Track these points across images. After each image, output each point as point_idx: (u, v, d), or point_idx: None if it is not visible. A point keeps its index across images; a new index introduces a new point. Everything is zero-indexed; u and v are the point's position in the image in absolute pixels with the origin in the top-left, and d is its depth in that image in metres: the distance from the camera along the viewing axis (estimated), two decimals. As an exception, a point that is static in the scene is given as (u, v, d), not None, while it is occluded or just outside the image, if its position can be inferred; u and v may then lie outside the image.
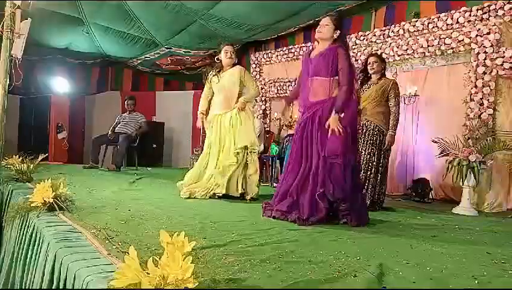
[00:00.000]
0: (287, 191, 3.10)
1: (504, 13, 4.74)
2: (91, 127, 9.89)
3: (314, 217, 2.88)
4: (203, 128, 4.52)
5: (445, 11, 5.29)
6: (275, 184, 6.12)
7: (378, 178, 4.05)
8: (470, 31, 4.87)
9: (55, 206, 2.55)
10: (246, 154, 4.12)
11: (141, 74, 10.22)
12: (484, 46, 4.73)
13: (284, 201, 3.07)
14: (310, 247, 2.16)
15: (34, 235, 2.22)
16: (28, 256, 2.20)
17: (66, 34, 7.59)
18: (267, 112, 7.88)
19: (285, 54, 7.50)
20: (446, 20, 5.20)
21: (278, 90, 7.55)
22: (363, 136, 4.09)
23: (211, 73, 4.45)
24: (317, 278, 1.62)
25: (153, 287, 1.20)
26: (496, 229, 3.30)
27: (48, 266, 1.79)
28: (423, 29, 5.45)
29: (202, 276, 1.48)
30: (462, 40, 4.93)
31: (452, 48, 5.06)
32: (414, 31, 5.54)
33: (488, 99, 4.68)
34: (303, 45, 7.20)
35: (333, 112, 2.98)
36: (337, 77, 3.07)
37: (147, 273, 1.23)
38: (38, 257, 2.01)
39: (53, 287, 1.69)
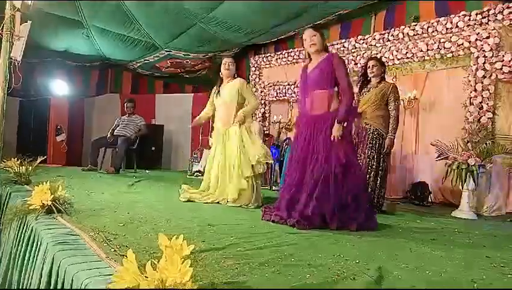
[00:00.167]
0: (287, 200, 3.08)
1: (503, 17, 4.75)
2: (90, 130, 9.89)
3: (313, 221, 2.87)
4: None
5: (445, 15, 5.30)
6: (274, 187, 6.12)
7: (378, 182, 4.05)
8: (469, 35, 4.89)
9: (54, 208, 2.54)
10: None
11: (141, 76, 10.22)
12: (483, 50, 4.74)
13: (284, 208, 3.06)
14: (309, 250, 2.16)
15: (32, 237, 2.22)
16: (26, 258, 2.19)
17: (66, 37, 7.60)
18: (267, 115, 7.88)
19: (285, 57, 7.51)
20: (445, 24, 5.21)
21: (277, 93, 7.56)
22: (362, 139, 4.10)
23: (214, 88, 4.43)
24: (316, 281, 1.61)
25: (151, 291, 1.20)
26: (495, 233, 3.30)
27: (45, 268, 1.78)
28: (423, 33, 5.46)
29: (201, 279, 1.47)
30: (462, 44, 4.94)
31: (451, 52, 5.07)
32: (414, 34, 5.55)
33: (488, 103, 4.68)
34: (302, 48, 7.19)
35: (336, 121, 2.99)
36: (336, 88, 3.10)
37: (145, 276, 1.22)
38: (36, 259, 2.01)
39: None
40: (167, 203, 3.66)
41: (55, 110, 9.20)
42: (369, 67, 4.23)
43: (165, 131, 9.16)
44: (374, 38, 6.04)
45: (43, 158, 4.40)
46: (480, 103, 4.73)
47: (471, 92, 4.83)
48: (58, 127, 9.18)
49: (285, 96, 7.41)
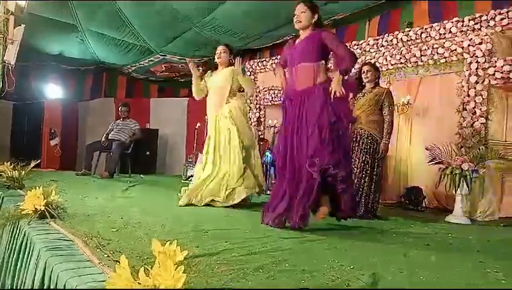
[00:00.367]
0: (281, 194, 3.04)
1: (495, 24, 4.80)
2: (84, 134, 9.83)
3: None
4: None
5: (438, 21, 5.35)
6: (269, 192, 6.10)
7: (372, 186, 4.06)
8: (462, 41, 4.93)
9: (47, 213, 2.52)
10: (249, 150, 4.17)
11: (135, 80, 10.21)
12: (476, 56, 4.78)
13: (279, 205, 3.01)
14: (304, 256, 2.15)
15: (24, 243, 2.19)
16: (19, 264, 2.17)
17: (60, 41, 7.59)
18: (261, 119, 7.89)
19: (280, 62, 7.52)
20: (439, 29, 5.26)
21: (272, 97, 7.58)
22: (357, 144, 4.10)
23: (209, 72, 4.54)
24: (311, 287, 1.61)
25: (144, 297, 1.19)
26: (488, 238, 3.31)
27: (38, 274, 1.76)
28: (416, 38, 5.50)
29: (194, 285, 1.46)
30: (455, 49, 4.98)
31: (445, 58, 5.11)
32: (407, 40, 5.59)
33: (481, 109, 4.72)
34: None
35: (337, 72, 2.90)
36: (322, 62, 3.01)
37: (138, 282, 1.21)
38: (29, 265, 1.99)
39: (43, 296, 1.67)
40: (161, 208, 3.64)
41: (49, 114, 9.16)
42: (363, 73, 4.25)
43: (159, 135, 9.14)
44: (368, 44, 6.07)
45: (36, 162, 4.38)
46: (474, 108, 4.77)
47: (464, 97, 4.87)
48: (52, 131, 9.14)
49: (281, 100, 7.41)
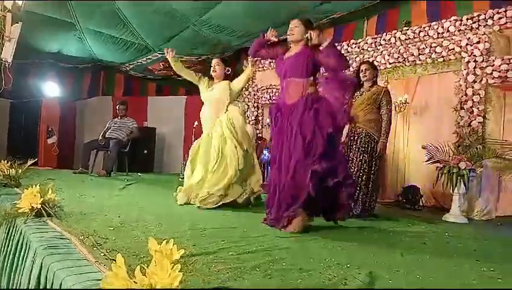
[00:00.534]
0: (275, 199, 3.04)
1: (493, 23, 4.81)
2: (82, 132, 9.81)
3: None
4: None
5: (436, 20, 5.35)
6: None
7: (370, 185, 4.06)
8: (460, 40, 4.94)
9: (43, 212, 2.51)
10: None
11: (133, 79, 10.18)
12: (474, 55, 4.79)
13: (271, 211, 3.04)
14: (301, 254, 2.16)
15: (21, 241, 2.19)
16: (15, 262, 2.16)
17: (58, 39, 7.56)
18: (260, 118, 7.89)
19: (278, 60, 7.51)
20: (437, 29, 5.26)
21: (270, 96, 7.57)
22: (354, 143, 4.10)
23: (207, 78, 4.47)
24: (308, 286, 1.61)
25: (141, 296, 1.19)
26: (485, 237, 3.32)
27: (34, 272, 1.76)
28: (414, 37, 5.50)
29: (191, 284, 1.46)
30: (453, 48, 4.99)
31: (442, 57, 5.12)
32: (405, 39, 5.60)
33: (478, 108, 4.73)
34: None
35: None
36: (311, 78, 3.07)
37: (135, 281, 1.21)
38: (25, 263, 1.98)
39: (39, 294, 1.66)
40: (159, 207, 3.64)
41: (46, 112, 9.13)
42: (361, 71, 4.24)
43: (157, 134, 9.12)
44: (366, 43, 6.07)
45: (33, 161, 4.36)
46: (471, 107, 4.78)
47: (462, 96, 4.88)
48: (50, 129, 9.11)
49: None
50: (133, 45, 7.65)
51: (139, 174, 7.25)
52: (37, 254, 1.83)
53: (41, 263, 1.71)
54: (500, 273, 2.04)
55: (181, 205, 3.88)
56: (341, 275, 1.78)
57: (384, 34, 5.89)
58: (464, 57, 4.89)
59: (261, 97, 7.78)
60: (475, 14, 4.96)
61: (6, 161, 4.21)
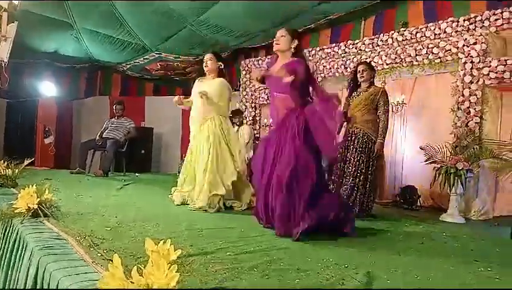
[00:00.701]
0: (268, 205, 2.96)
1: (490, 24, 4.82)
2: (79, 132, 9.77)
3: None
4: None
5: (433, 21, 5.36)
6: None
7: (367, 186, 4.06)
8: (457, 41, 4.95)
9: (40, 212, 2.50)
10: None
11: (130, 78, 10.15)
12: (471, 56, 4.80)
13: (264, 217, 2.98)
14: (298, 255, 2.15)
15: (17, 241, 2.18)
16: (12, 262, 2.15)
17: (55, 38, 7.54)
18: (257, 118, 7.88)
19: (275, 61, 7.51)
20: (434, 29, 5.28)
21: (267, 96, 7.55)
22: (352, 143, 4.11)
23: (197, 80, 4.43)
24: (306, 286, 1.60)
25: (138, 296, 1.18)
26: (482, 237, 3.33)
27: (31, 273, 1.75)
28: (411, 38, 5.51)
29: (188, 284, 1.46)
30: (450, 49, 5.00)
31: (439, 57, 5.13)
32: (402, 40, 5.61)
33: (475, 108, 4.74)
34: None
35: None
36: (299, 92, 3.00)
37: (131, 282, 1.20)
38: (22, 263, 1.97)
39: (35, 295, 1.65)
40: (156, 207, 3.63)
41: (43, 112, 9.09)
42: (359, 72, 4.25)
43: (154, 134, 9.10)
44: (364, 43, 6.08)
45: (30, 160, 4.35)
46: (468, 108, 4.79)
47: (458, 97, 4.89)
48: (46, 129, 9.08)
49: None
50: (130, 45, 7.64)
51: (136, 174, 7.23)
52: (34, 254, 1.82)
53: (38, 264, 1.71)
54: (498, 273, 2.04)
55: (178, 205, 3.87)
56: (339, 275, 1.78)
57: (382, 34, 5.90)
58: (461, 58, 4.90)
59: (259, 97, 7.78)
60: (472, 15, 4.98)
61: (2, 161, 4.19)
